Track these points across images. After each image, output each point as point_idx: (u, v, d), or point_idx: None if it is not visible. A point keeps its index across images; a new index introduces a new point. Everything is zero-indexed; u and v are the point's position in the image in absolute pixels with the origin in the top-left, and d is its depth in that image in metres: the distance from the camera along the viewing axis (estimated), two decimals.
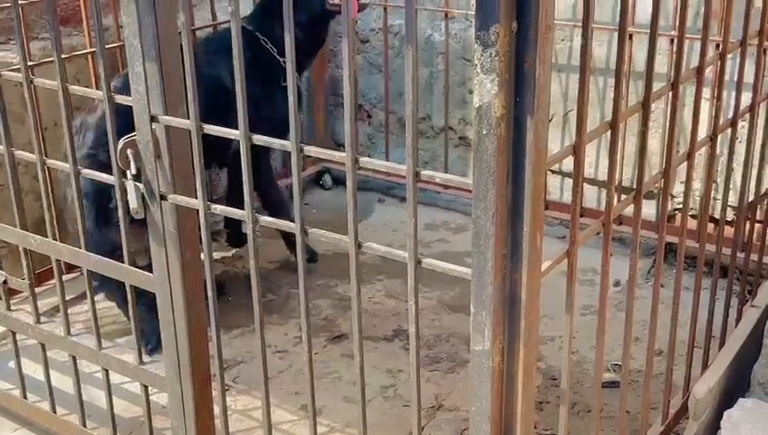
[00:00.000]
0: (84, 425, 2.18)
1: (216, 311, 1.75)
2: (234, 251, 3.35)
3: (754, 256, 2.49)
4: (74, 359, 2.12)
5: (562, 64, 3.32)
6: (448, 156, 3.63)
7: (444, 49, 3.50)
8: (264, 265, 3.15)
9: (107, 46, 1.79)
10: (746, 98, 2.11)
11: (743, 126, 2.27)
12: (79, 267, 2.17)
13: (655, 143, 3.10)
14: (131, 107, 1.67)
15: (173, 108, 1.65)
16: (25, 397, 2.32)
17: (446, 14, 3.43)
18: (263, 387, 1.75)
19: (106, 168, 1.84)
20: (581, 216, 1.50)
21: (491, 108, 1.23)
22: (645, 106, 1.60)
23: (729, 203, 2.43)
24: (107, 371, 2.06)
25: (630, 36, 2.97)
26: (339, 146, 3.98)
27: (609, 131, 1.52)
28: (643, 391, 1.94)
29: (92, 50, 2.92)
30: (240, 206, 1.61)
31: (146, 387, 2.00)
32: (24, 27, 2.05)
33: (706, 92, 2.73)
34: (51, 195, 2.10)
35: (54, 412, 2.25)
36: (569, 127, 3.39)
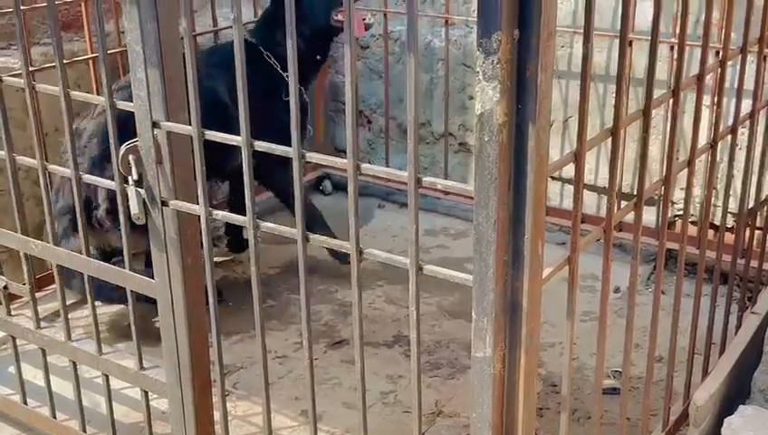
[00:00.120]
0: (84, 431, 2.18)
1: (217, 316, 1.76)
2: (233, 256, 3.35)
3: (754, 263, 2.50)
4: (74, 364, 2.12)
5: (562, 71, 3.32)
6: (448, 162, 3.63)
7: (444, 55, 3.51)
8: (263, 271, 3.15)
9: (108, 51, 1.80)
10: (746, 105, 2.11)
11: (742, 132, 2.28)
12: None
13: (655, 150, 3.10)
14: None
15: (175, 114, 1.65)
16: (25, 402, 2.32)
17: (447, 21, 3.44)
18: (263, 393, 1.75)
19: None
20: (582, 222, 1.50)
21: (493, 115, 1.23)
22: (646, 113, 1.60)
23: (729, 210, 2.43)
24: (107, 376, 2.06)
25: (630, 43, 2.97)
26: (339, 151, 3.99)
27: (610, 138, 1.53)
28: (643, 397, 1.94)
29: (94, 55, 2.92)
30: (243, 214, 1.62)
31: (146, 392, 2.00)
32: (25, 33, 2.05)
33: (706, 99, 2.74)
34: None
35: (54, 418, 2.25)
36: (569, 133, 3.39)
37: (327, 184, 3.91)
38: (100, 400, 2.20)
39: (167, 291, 1.80)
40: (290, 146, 1.48)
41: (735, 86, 2.09)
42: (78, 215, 1.95)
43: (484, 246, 1.30)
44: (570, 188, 3.44)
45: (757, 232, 2.57)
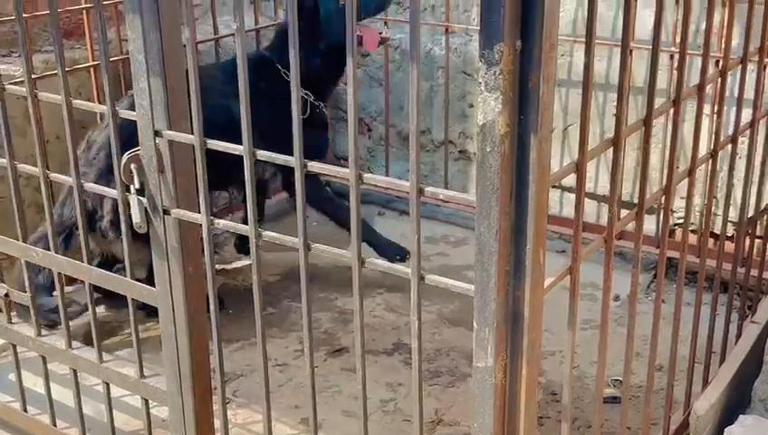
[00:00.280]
0: None
1: (218, 324, 1.76)
2: (233, 264, 3.35)
3: (755, 272, 2.50)
4: (75, 372, 2.12)
5: (562, 79, 3.33)
6: (448, 169, 3.64)
7: (444, 63, 3.51)
8: (264, 278, 3.15)
9: (110, 59, 1.80)
10: (747, 114, 2.12)
11: (743, 142, 2.28)
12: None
13: (654, 158, 3.10)
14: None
15: (177, 123, 1.65)
16: (25, 410, 2.32)
17: (447, 29, 3.45)
18: (264, 401, 1.75)
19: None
20: (582, 230, 1.51)
21: (495, 126, 1.24)
22: (647, 123, 1.60)
23: (729, 218, 2.43)
24: (107, 384, 2.06)
25: (630, 52, 2.98)
26: (339, 159, 3.99)
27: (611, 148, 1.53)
28: (644, 406, 1.94)
29: (95, 63, 2.93)
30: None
31: (146, 400, 2.00)
32: (27, 41, 2.05)
33: (706, 108, 2.74)
34: (53, 208, 2.11)
35: (55, 425, 2.24)
36: (568, 141, 3.40)
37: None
38: (100, 407, 2.20)
39: (168, 299, 1.80)
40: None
41: (736, 95, 2.09)
42: (80, 224, 1.95)
43: (486, 256, 1.31)
44: (569, 196, 3.44)
45: (757, 241, 2.58)
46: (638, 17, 3.00)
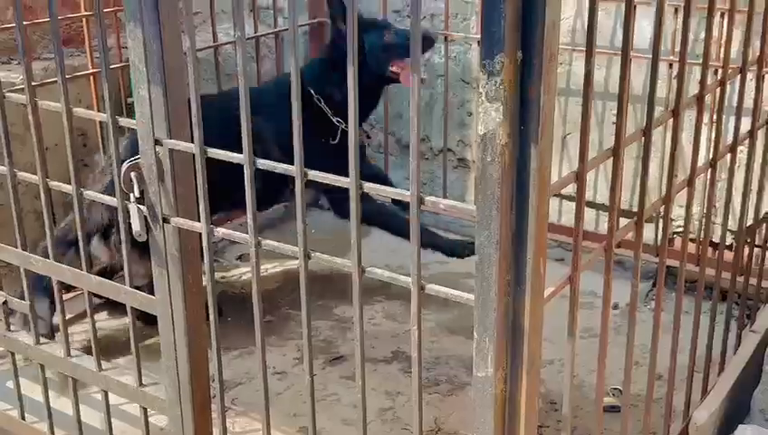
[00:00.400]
0: None
1: (218, 333, 1.76)
2: (233, 272, 3.35)
3: (754, 281, 2.50)
4: (73, 380, 2.11)
5: (561, 88, 3.34)
6: (447, 177, 3.64)
7: (444, 71, 3.52)
8: (263, 286, 3.15)
9: (110, 67, 1.80)
10: (746, 123, 2.12)
11: (741, 151, 2.29)
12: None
13: (653, 167, 3.11)
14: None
15: (177, 131, 1.65)
16: (23, 418, 2.31)
17: (446, 37, 3.45)
18: (263, 409, 1.75)
19: None
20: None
21: (495, 136, 1.24)
22: (646, 133, 1.61)
23: (728, 227, 2.44)
24: (106, 392, 2.05)
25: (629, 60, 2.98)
26: None
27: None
28: (644, 416, 1.94)
29: (95, 71, 2.93)
30: None
31: (145, 409, 1.99)
32: (27, 48, 2.05)
33: (705, 118, 2.75)
34: (53, 216, 2.10)
35: (53, 434, 2.24)
36: (567, 150, 3.40)
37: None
38: (98, 415, 2.19)
39: (167, 307, 1.80)
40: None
41: (734, 104, 2.10)
42: (79, 231, 1.95)
43: (487, 266, 1.31)
44: (568, 205, 3.44)
45: (756, 250, 2.58)
46: (637, 25, 3.00)
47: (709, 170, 1.98)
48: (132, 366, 1.98)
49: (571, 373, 1.55)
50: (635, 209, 1.68)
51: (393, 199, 3.29)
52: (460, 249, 3.02)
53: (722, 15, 2.77)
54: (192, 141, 1.62)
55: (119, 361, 2.53)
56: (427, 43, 2.93)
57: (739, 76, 2.02)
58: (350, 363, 2.73)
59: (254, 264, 1.63)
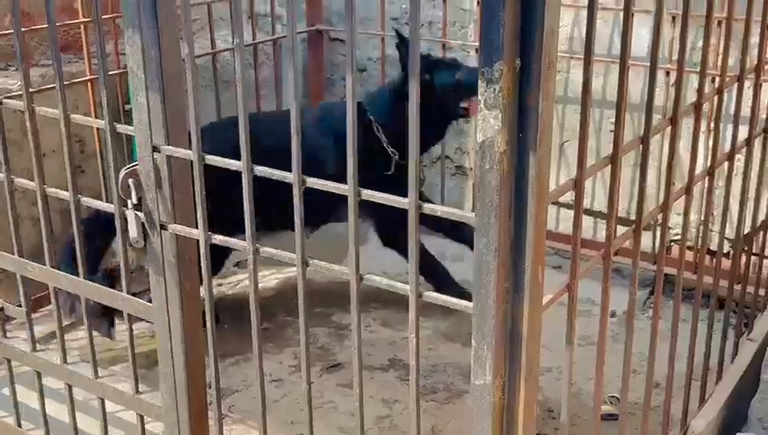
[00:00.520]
0: None
1: (215, 340, 1.75)
2: (230, 279, 3.34)
3: (751, 289, 2.50)
4: (70, 387, 2.10)
5: (559, 96, 3.34)
6: (444, 185, 3.64)
7: None
8: (260, 293, 3.14)
9: (108, 73, 1.80)
10: (744, 131, 2.12)
11: (739, 159, 2.29)
12: None
13: (651, 174, 3.11)
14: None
15: (175, 138, 1.65)
16: (20, 425, 2.31)
17: (444, 45, 3.45)
18: (260, 417, 1.74)
19: None
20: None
21: (494, 143, 1.24)
22: (644, 141, 1.61)
23: (726, 235, 2.44)
24: (103, 399, 2.04)
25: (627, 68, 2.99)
26: None
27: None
28: (641, 424, 1.94)
29: (92, 77, 2.93)
30: None
31: (141, 416, 1.98)
32: (25, 55, 2.05)
33: (702, 125, 2.75)
34: (50, 222, 2.10)
35: None
36: (565, 157, 3.41)
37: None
38: (95, 423, 2.18)
39: (164, 315, 1.80)
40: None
41: (732, 112, 2.10)
42: (76, 237, 1.94)
43: (485, 274, 1.30)
44: (565, 212, 3.44)
45: (754, 258, 2.58)
46: (635, 34, 3.00)
47: (707, 178, 1.98)
48: (129, 373, 1.97)
49: (568, 381, 1.54)
50: (633, 217, 1.68)
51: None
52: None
53: (719, 24, 2.78)
54: (190, 147, 1.62)
55: (115, 368, 2.53)
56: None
57: (736, 84, 2.02)
58: (347, 371, 2.73)
59: (251, 271, 1.63)
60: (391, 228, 2.99)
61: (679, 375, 2.12)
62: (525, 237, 1.29)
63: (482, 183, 1.27)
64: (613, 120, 1.53)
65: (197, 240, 1.68)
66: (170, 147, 1.66)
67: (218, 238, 1.68)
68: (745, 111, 2.14)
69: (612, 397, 2.53)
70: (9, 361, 2.24)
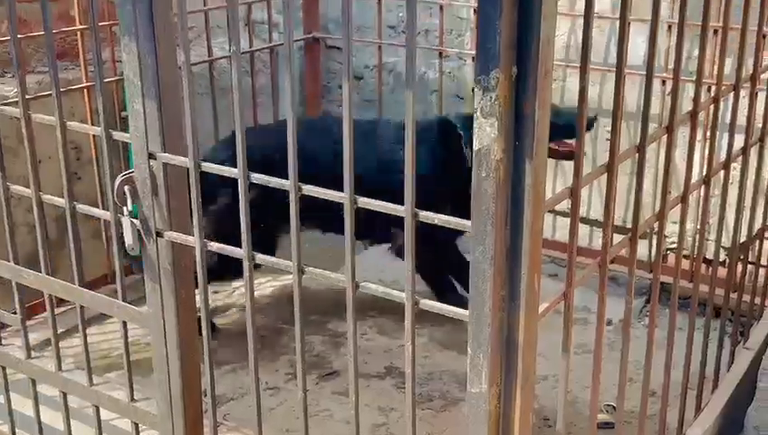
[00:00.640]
0: None
1: (210, 347, 1.75)
2: (224, 287, 3.33)
3: (747, 298, 2.50)
4: (64, 395, 2.10)
5: (555, 104, 3.34)
6: None
7: (438, 86, 3.53)
8: (256, 300, 3.14)
9: (104, 80, 1.80)
10: (739, 140, 2.13)
11: (735, 168, 2.29)
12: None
13: (647, 183, 3.11)
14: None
15: (172, 145, 1.65)
16: (14, 433, 2.29)
17: (441, 53, 3.46)
18: (255, 425, 1.74)
19: None
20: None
21: (490, 151, 1.24)
22: (640, 150, 1.61)
23: (722, 244, 2.44)
24: (97, 407, 2.04)
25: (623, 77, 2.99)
26: None
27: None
28: (637, 432, 1.93)
29: (89, 84, 2.93)
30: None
31: (136, 424, 1.98)
32: (22, 62, 2.05)
33: (698, 134, 2.76)
34: (45, 229, 2.09)
35: None
36: (561, 166, 3.41)
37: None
38: (90, 431, 2.17)
39: (159, 322, 1.79)
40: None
41: (728, 121, 2.11)
42: (71, 246, 1.94)
43: (481, 282, 1.30)
44: (561, 220, 3.45)
45: (749, 266, 2.59)
46: (631, 42, 3.02)
47: (703, 187, 1.99)
48: (124, 381, 1.97)
49: (564, 389, 1.54)
50: (629, 225, 1.68)
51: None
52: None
53: (715, 33, 2.78)
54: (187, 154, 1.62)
55: (110, 375, 2.52)
56: (591, 124, 2.89)
57: (732, 93, 2.03)
58: (343, 379, 2.72)
59: (247, 279, 1.63)
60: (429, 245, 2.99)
61: (675, 384, 2.12)
62: (521, 246, 1.29)
63: (478, 191, 1.27)
64: (609, 128, 1.53)
65: (193, 247, 1.68)
66: (167, 154, 1.65)
67: (215, 246, 1.67)
68: (741, 119, 2.15)
69: (608, 405, 2.53)
70: (4, 368, 2.23)
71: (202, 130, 3.26)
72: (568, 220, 1.47)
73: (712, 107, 1.97)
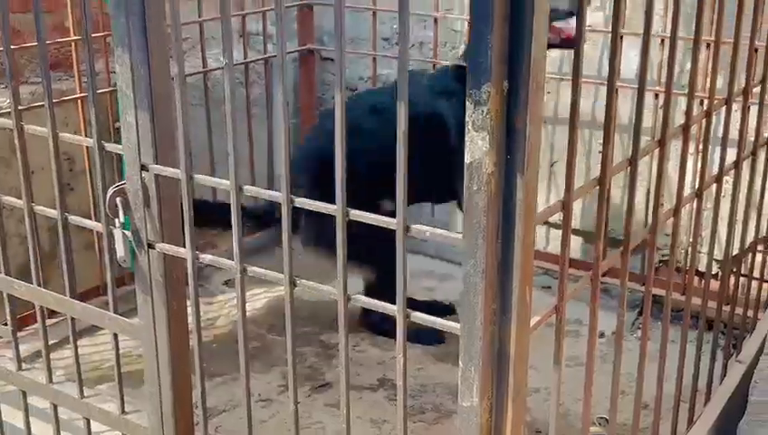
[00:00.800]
0: None
1: (201, 359, 1.74)
2: (219, 298, 3.33)
3: (740, 310, 2.51)
4: (55, 407, 2.09)
5: (549, 116, 3.35)
6: (434, 205, 3.64)
7: None
8: (247, 312, 3.13)
9: (98, 91, 1.80)
10: (732, 153, 2.13)
11: (727, 181, 2.30)
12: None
13: (640, 195, 3.12)
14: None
15: (164, 157, 1.65)
16: None
17: (434, 66, 3.47)
18: None
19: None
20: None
21: (482, 165, 1.24)
22: (632, 163, 1.61)
23: (714, 257, 2.44)
24: (88, 420, 2.03)
25: (615, 90, 3.00)
26: None
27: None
28: None
29: (83, 95, 2.93)
30: None
31: None
32: (15, 72, 2.05)
33: (690, 147, 2.77)
34: (37, 240, 2.09)
35: None
36: (555, 177, 3.41)
37: None
38: None
39: (151, 334, 1.79)
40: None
41: (720, 135, 2.11)
42: (63, 255, 1.93)
43: (472, 295, 1.30)
44: (555, 232, 3.45)
45: (742, 279, 2.59)
46: (624, 55, 3.03)
47: (695, 200, 1.99)
48: (115, 393, 1.96)
49: (556, 403, 1.54)
50: (621, 237, 1.68)
51: None
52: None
53: (708, 46, 2.80)
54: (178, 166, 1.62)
55: (102, 387, 2.51)
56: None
57: (725, 107, 2.03)
58: (336, 391, 2.71)
59: (239, 290, 1.62)
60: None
61: (668, 397, 2.12)
62: (513, 259, 1.29)
63: (469, 204, 1.27)
64: (602, 140, 1.53)
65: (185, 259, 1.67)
66: (159, 166, 1.65)
67: (207, 258, 1.67)
68: (734, 133, 2.16)
69: (601, 418, 2.53)
70: None
71: (197, 140, 3.27)
72: (562, 232, 1.47)
73: (704, 120, 1.97)
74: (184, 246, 1.66)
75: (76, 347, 2.00)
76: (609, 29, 1.64)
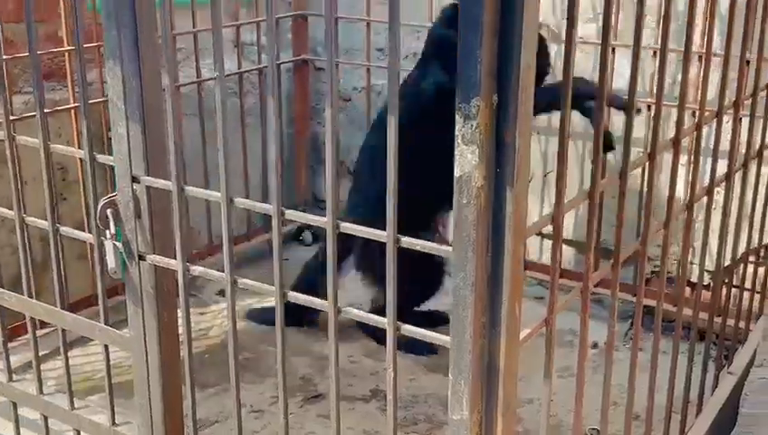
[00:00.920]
0: None
1: (192, 370, 1.74)
2: (211, 308, 3.32)
3: (731, 322, 2.51)
4: (45, 418, 2.08)
5: (542, 127, 3.36)
6: None
7: None
8: (239, 323, 3.13)
9: (91, 102, 1.81)
10: (723, 165, 2.14)
11: (718, 192, 2.31)
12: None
13: (631, 207, 3.12)
14: None
15: (156, 169, 1.65)
16: None
17: None
18: None
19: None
20: (560, 277, 1.51)
21: (471, 178, 1.24)
22: (623, 176, 1.62)
23: (705, 268, 2.45)
24: (78, 431, 2.02)
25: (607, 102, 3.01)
26: (319, 201, 4.00)
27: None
28: None
29: (76, 105, 2.93)
30: None
31: None
32: (6, 82, 2.05)
33: (682, 159, 2.77)
34: (29, 251, 2.08)
35: None
36: (548, 187, 3.42)
37: (307, 235, 3.90)
38: None
39: (141, 346, 1.78)
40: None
41: (711, 146, 2.12)
42: (54, 266, 1.93)
43: (462, 308, 1.30)
44: (548, 243, 3.45)
45: (733, 290, 2.59)
46: (617, 67, 3.04)
47: (686, 212, 2.00)
48: (106, 404, 1.96)
49: (547, 414, 1.54)
50: (613, 248, 1.68)
51: None
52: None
53: (699, 59, 2.81)
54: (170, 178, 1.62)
55: (93, 398, 2.50)
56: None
57: (716, 119, 2.04)
58: (328, 402, 2.68)
59: (230, 301, 1.62)
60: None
61: (659, 408, 2.12)
62: (502, 272, 1.29)
63: (459, 218, 1.27)
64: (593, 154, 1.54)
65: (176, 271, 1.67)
66: (150, 177, 1.65)
67: (198, 269, 1.67)
68: (725, 144, 2.16)
69: (592, 429, 2.52)
70: None
71: (190, 151, 3.27)
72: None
73: (695, 132, 1.98)
74: (175, 258, 1.66)
75: (67, 358, 2.00)
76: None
